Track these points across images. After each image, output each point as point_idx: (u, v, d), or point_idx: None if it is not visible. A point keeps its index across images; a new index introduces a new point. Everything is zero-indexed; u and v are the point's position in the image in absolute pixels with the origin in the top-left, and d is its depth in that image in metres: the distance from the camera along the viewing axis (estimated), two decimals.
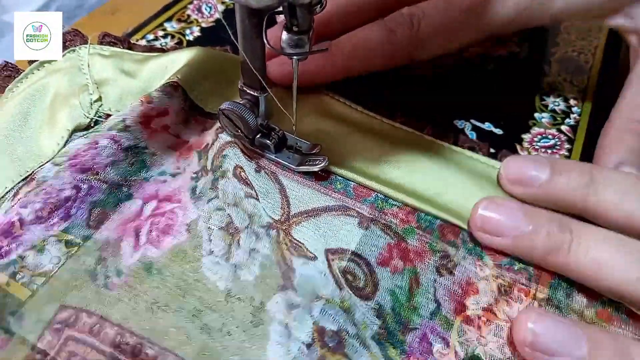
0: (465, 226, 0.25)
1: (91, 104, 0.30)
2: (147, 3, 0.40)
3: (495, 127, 0.32)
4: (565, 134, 0.32)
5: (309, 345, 0.22)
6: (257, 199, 0.26)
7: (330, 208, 0.26)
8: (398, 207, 0.26)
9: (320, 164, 0.27)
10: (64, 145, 0.28)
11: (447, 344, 0.23)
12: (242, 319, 0.23)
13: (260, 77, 0.24)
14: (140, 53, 0.33)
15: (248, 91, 0.26)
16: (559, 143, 0.32)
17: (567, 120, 0.33)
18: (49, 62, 0.32)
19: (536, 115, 0.33)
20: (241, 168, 0.27)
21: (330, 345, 0.22)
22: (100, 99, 0.31)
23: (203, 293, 0.24)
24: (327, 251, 0.25)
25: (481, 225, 0.25)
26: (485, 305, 0.24)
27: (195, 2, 0.40)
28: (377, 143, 0.29)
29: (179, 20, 0.39)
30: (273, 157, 0.28)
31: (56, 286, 0.23)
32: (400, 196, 0.26)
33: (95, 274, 0.24)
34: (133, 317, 0.23)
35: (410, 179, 0.27)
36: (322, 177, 0.27)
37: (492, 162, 0.28)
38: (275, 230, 0.25)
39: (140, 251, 0.25)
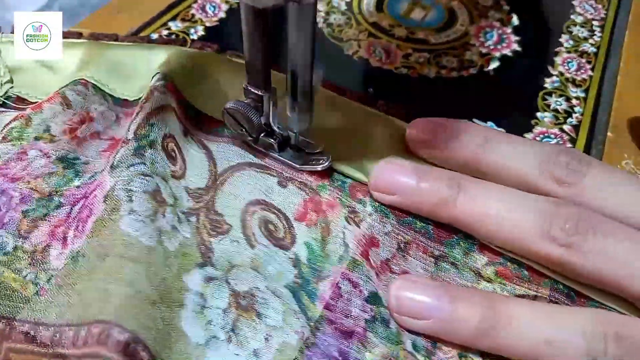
0: None
1: (1, 85, 0.30)
2: (151, 2, 0.40)
3: (498, 126, 0.33)
4: (567, 134, 0.32)
5: (224, 310, 0.23)
6: (181, 178, 0.26)
7: (252, 164, 0.27)
8: None
9: (324, 163, 0.27)
10: None
11: (354, 285, 0.24)
12: (160, 282, 0.22)
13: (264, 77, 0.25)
14: None
15: (252, 90, 0.26)
16: (561, 142, 0.32)
17: (570, 119, 0.33)
18: None
19: (538, 114, 0.34)
20: (170, 137, 0.27)
21: (243, 304, 0.23)
22: (11, 80, 0.31)
23: (124, 248, 0.23)
24: (249, 205, 0.26)
25: (375, 183, 0.26)
26: (384, 259, 0.25)
27: (199, 1, 0.41)
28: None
29: (183, 20, 0.39)
30: (277, 155, 0.28)
31: None
32: None
33: (25, 282, 0.23)
34: (68, 310, 0.22)
35: None
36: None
37: None
38: (195, 216, 0.25)
39: (68, 249, 0.24)
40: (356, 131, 0.29)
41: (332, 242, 0.25)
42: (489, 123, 0.33)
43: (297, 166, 0.28)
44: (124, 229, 0.23)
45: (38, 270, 0.24)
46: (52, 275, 0.23)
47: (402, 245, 0.25)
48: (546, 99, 0.35)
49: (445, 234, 0.26)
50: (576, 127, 0.33)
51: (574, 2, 0.43)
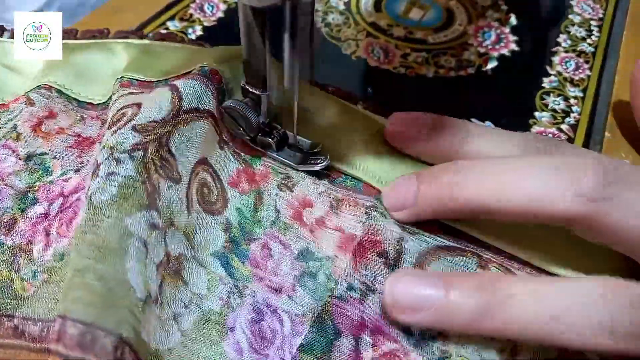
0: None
1: None
2: (149, 2, 0.40)
3: (496, 125, 0.33)
4: (565, 133, 0.32)
5: (157, 267, 0.22)
6: (130, 121, 0.25)
7: (210, 114, 0.27)
8: None
9: (322, 163, 0.27)
10: None
11: (285, 246, 0.25)
12: (96, 239, 0.21)
13: (262, 76, 0.25)
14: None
15: (251, 90, 0.26)
16: None
17: (568, 119, 0.33)
18: None
19: (536, 114, 0.34)
20: (121, 112, 0.26)
21: (172, 268, 0.23)
22: None
23: (77, 240, 0.22)
24: (198, 163, 0.26)
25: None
26: (318, 216, 0.26)
27: (197, 1, 0.41)
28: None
29: (182, 19, 0.39)
30: (275, 155, 0.28)
31: None
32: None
33: (10, 278, 0.24)
34: (55, 307, 0.22)
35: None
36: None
37: None
38: (141, 150, 0.24)
39: (52, 247, 0.24)
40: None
41: (263, 210, 0.26)
42: (487, 123, 0.33)
43: (295, 165, 0.28)
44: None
45: (24, 267, 0.24)
46: (37, 272, 0.24)
47: (334, 202, 0.26)
48: (544, 99, 0.35)
49: (375, 191, 0.26)
50: (574, 127, 0.33)
51: (572, 2, 0.43)
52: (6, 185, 0.27)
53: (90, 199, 0.22)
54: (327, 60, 0.37)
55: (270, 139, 0.27)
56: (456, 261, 0.24)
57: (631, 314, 0.19)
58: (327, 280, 0.24)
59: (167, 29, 0.38)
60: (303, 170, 0.28)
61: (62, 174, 0.27)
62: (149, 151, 0.24)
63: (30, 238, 0.25)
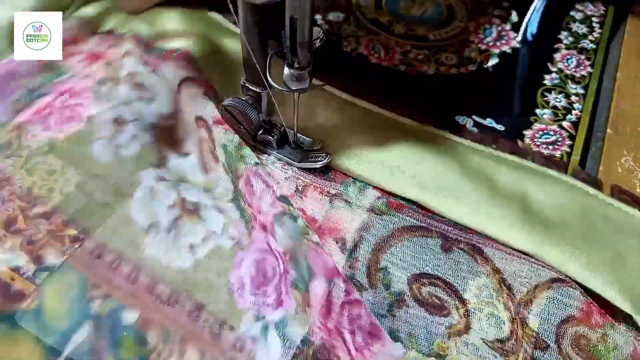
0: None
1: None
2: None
3: (497, 123, 0.32)
4: (566, 130, 0.32)
5: (170, 206, 0.27)
6: (149, 100, 0.31)
7: (193, 79, 0.31)
8: None
9: (323, 160, 0.27)
10: None
11: (267, 185, 0.27)
12: (113, 183, 0.28)
13: (262, 74, 0.25)
14: None
15: (250, 87, 0.26)
16: (560, 139, 0.32)
17: (569, 116, 0.33)
18: None
19: (538, 111, 0.34)
20: (133, 75, 0.33)
21: (189, 208, 0.28)
22: None
23: (88, 166, 0.29)
24: (198, 124, 0.30)
25: None
26: (282, 194, 0.27)
27: None
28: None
29: None
30: (275, 152, 0.28)
31: None
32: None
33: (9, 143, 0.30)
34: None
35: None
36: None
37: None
38: (157, 129, 0.30)
39: (48, 132, 0.30)
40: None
41: (247, 150, 0.28)
42: (488, 120, 0.33)
43: (296, 163, 0.28)
44: (92, 151, 0.30)
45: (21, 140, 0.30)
46: (27, 147, 0.30)
47: (299, 187, 0.28)
48: (545, 96, 0.35)
49: (341, 176, 0.28)
50: (575, 124, 0.33)
51: None
52: (19, 85, 0.32)
53: (117, 150, 0.30)
54: (328, 57, 0.37)
55: (270, 137, 0.27)
56: (420, 242, 0.25)
57: None
58: (305, 226, 0.26)
59: None
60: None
61: (71, 76, 0.33)
62: (163, 131, 0.30)
63: (30, 119, 0.30)
